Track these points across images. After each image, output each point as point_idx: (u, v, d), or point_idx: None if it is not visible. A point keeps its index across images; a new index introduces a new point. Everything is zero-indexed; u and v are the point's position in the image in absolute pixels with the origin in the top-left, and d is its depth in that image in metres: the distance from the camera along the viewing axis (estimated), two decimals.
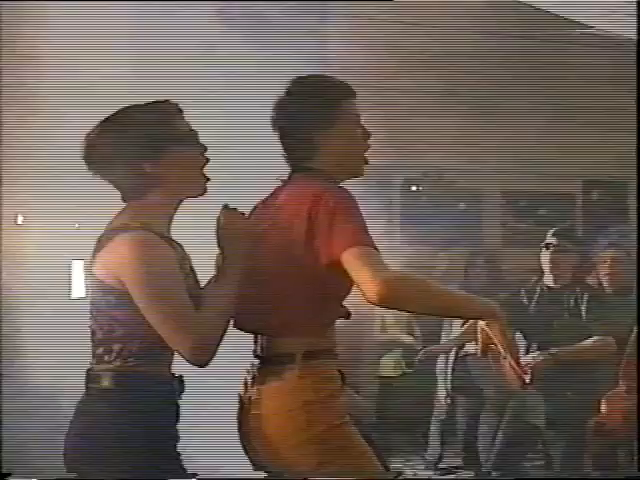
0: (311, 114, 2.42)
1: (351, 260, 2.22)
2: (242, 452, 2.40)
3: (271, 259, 2.36)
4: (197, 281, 2.41)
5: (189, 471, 2.34)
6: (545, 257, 4.50)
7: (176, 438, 2.36)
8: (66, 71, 4.01)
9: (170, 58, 3.93)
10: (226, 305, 2.33)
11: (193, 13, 4.20)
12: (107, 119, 2.36)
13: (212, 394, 3.10)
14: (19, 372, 3.98)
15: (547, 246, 4.51)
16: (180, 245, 2.40)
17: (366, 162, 2.50)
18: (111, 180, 2.36)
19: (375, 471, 2.35)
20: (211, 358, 2.28)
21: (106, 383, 2.31)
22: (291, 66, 2.81)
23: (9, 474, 2.53)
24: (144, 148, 2.31)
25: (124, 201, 2.37)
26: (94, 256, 2.33)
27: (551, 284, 4.47)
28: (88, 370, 2.35)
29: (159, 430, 2.30)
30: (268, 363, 2.36)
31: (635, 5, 5.42)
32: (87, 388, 2.34)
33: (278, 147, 2.50)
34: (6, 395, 3.54)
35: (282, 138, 2.48)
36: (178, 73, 3.84)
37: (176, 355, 2.32)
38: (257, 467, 2.40)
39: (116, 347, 2.31)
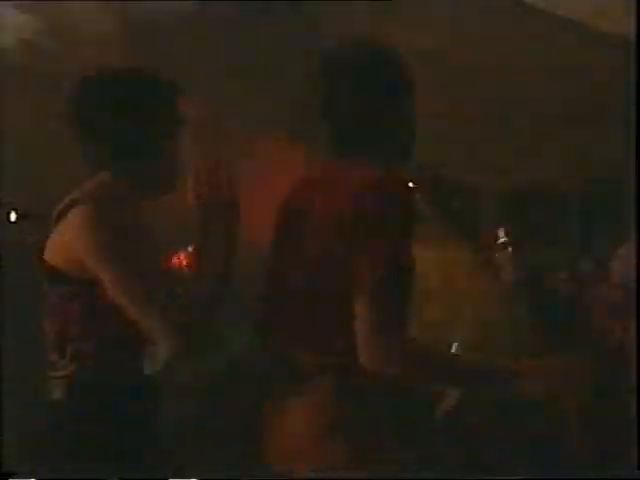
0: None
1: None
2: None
3: None
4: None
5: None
6: (501, 254, 4.58)
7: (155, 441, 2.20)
8: None
9: None
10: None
11: None
12: (101, 80, 2.27)
13: None
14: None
15: (502, 245, 4.60)
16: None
17: None
18: (88, 142, 2.23)
19: None
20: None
21: (57, 395, 2.14)
22: None
23: (13, 474, 2.50)
24: (132, 121, 2.21)
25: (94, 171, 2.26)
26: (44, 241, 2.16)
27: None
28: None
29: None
30: None
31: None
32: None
33: None
34: (6, 394, 3.54)
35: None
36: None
37: None
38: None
39: (70, 349, 2.12)
